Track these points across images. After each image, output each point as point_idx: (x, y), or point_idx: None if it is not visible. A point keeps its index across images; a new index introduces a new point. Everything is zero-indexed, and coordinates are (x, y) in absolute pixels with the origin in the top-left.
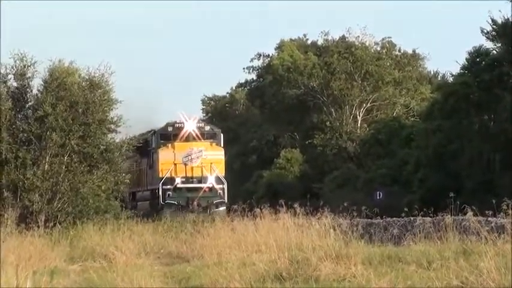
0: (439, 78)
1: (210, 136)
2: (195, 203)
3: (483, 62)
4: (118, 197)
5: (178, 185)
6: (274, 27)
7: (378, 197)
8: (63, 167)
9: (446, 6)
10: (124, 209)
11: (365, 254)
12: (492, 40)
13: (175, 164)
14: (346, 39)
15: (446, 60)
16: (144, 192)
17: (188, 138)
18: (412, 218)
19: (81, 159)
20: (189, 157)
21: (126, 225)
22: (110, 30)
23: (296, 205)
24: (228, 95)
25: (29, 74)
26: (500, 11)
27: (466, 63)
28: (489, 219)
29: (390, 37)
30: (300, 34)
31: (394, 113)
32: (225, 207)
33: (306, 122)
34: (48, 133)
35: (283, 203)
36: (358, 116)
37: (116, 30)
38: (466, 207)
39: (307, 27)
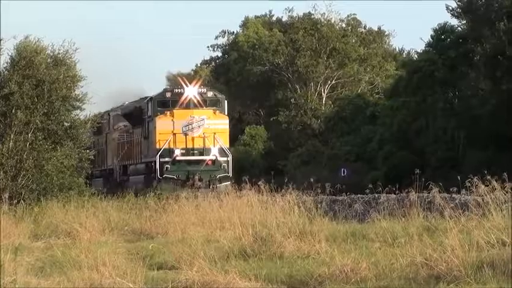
0: (404, 56)
1: (213, 103)
2: (196, 177)
3: (448, 39)
4: (82, 173)
5: (177, 158)
6: (239, 4)
7: (343, 174)
8: (28, 144)
9: None
10: (88, 186)
11: (329, 231)
12: (457, 17)
13: (174, 134)
14: (312, 16)
15: (411, 38)
16: (138, 166)
17: (188, 105)
18: (376, 195)
19: (45, 136)
20: (190, 126)
21: (91, 202)
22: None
23: (260, 182)
24: (192, 72)
25: None
26: None
27: (431, 40)
28: (453, 196)
29: (355, 14)
30: (265, 11)
31: (359, 90)
32: (229, 183)
33: (270, 99)
34: (13, 111)
35: (246, 180)
36: (323, 93)
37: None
38: (430, 184)
39: (272, 4)
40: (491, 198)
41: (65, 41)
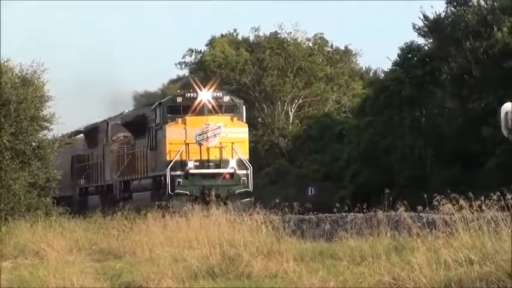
0: (371, 75)
1: (230, 109)
2: (213, 193)
3: (415, 58)
4: (49, 193)
5: (190, 171)
6: (205, 22)
7: (310, 193)
8: None
9: (378, 3)
10: (56, 205)
11: (297, 250)
12: (424, 36)
13: (187, 144)
14: (278, 35)
15: (378, 57)
16: (143, 181)
17: (203, 111)
18: (343, 214)
19: (12, 156)
20: (205, 135)
21: (58, 221)
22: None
23: (228, 201)
24: (160, 91)
25: None
26: (432, 6)
27: (398, 59)
28: (421, 214)
29: (323, 33)
30: (230, 29)
31: (326, 109)
32: (250, 199)
33: None
34: None
35: (213, 199)
36: (290, 112)
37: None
38: (397, 202)
39: (238, 23)
40: (458, 217)
41: (34, 62)
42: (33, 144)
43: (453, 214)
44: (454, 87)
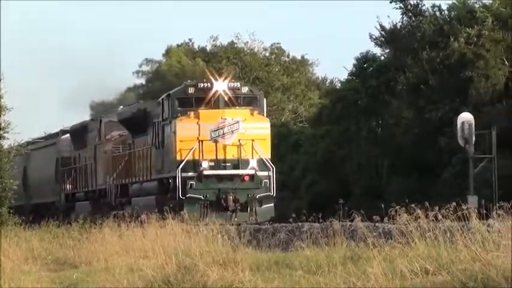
0: (328, 84)
1: (249, 101)
2: (230, 197)
3: (370, 68)
4: (5, 203)
5: (205, 172)
6: (162, 31)
7: None
8: None
9: (336, 13)
10: (11, 215)
11: (253, 260)
12: (380, 46)
13: (200, 141)
14: (235, 45)
15: (334, 66)
16: (145, 184)
17: (218, 104)
18: (300, 224)
19: None
20: (221, 131)
21: (13, 231)
22: None
23: (184, 211)
24: (116, 100)
25: None
26: (388, 16)
27: (354, 69)
28: (377, 224)
29: (279, 43)
30: (186, 39)
31: (283, 119)
32: (272, 205)
33: None
34: None
35: (169, 209)
36: None
37: None
38: (354, 212)
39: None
40: (414, 227)
41: None
42: None
43: (409, 224)
44: (410, 97)
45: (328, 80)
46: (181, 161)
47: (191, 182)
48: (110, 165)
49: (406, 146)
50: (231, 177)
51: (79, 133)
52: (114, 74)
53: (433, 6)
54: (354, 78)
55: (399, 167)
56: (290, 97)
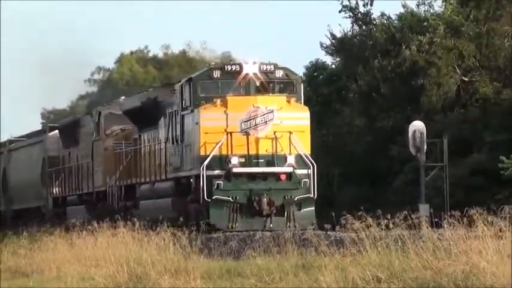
0: None
1: (284, 87)
2: (264, 200)
3: (321, 76)
4: None
5: (234, 169)
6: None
7: None
8: None
9: (286, 21)
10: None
11: (204, 268)
12: (331, 54)
13: (229, 134)
14: (187, 54)
15: None
16: (158, 185)
17: (249, 90)
18: (251, 232)
19: None
20: (253, 121)
21: None
22: None
23: (135, 219)
24: (68, 108)
25: None
26: (340, 24)
27: (304, 77)
28: (328, 233)
29: (229, 51)
30: (141, 46)
31: None
32: (313, 208)
33: None
34: None
35: (120, 217)
36: None
37: None
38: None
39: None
40: (366, 235)
41: None
42: None
43: (361, 232)
44: (362, 106)
45: None
46: (206, 157)
47: (218, 182)
48: (111, 164)
49: (358, 154)
50: (264, 176)
51: (70, 129)
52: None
53: (382, 15)
54: (305, 86)
55: (351, 175)
56: None
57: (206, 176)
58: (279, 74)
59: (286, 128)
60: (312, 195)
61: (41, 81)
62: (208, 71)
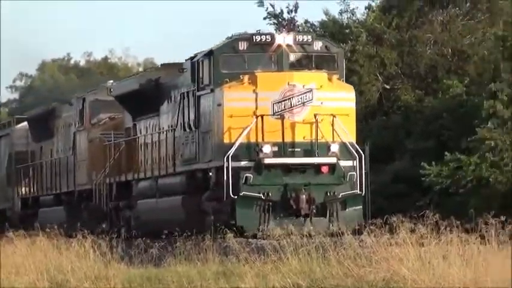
0: None
1: (324, 62)
2: (303, 197)
3: None
4: None
5: (266, 160)
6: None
7: None
8: None
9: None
10: None
11: (125, 276)
12: None
13: (259, 117)
14: (109, 60)
15: None
16: (163, 180)
17: (282, 65)
18: (172, 239)
19: None
20: (288, 102)
21: None
22: None
23: (55, 226)
24: None
25: None
26: None
27: None
28: (249, 240)
29: (153, 57)
30: (63, 53)
31: None
32: (360, 207)
33: None
34: None
35: (38, 226)
36: None
37: None
38: (224, 229)
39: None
40: (287, 242)
41: None
42: None
43: (282, 239)
44: None
45: None
46: (231, 145)
47: (247, 175)
48: (98, 158)
49: None
50: (302, 168)
51: (42, 120)
52: None
53: (306, 22)
54: None
55: None
56: None
57: (232, 168)
58: (317, 46)
59: (328, 111)
60: (359, 192)
61: None
62: (233, 42)
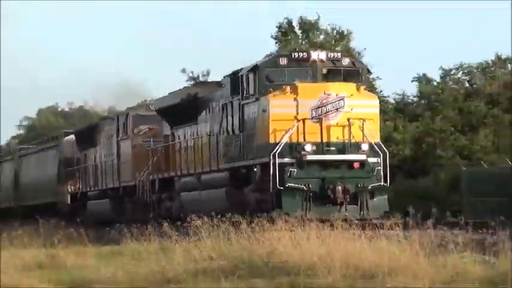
0: None
1: (353, 75)
2: (339, 188)
3: None
4: None
5: (308, 157)
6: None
7: None
8: None
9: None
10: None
11: (94, 251)
12: None
13: (300, 121)
14: (84, 107)
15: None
16: (206, 176)
17: (316, 77)
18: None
19: None
20: (324, 108)
21: None
22: None
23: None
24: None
25: None
26: None
27: None
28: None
29: (115, 106)
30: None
31: None
32: (386, 197)
33: None
34: None
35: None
36: None
37: None
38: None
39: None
40: (204, 229)
41: None
42: None
43: (201, 227)
44: None
45: None
46: (277, 144)
47: (291, 169)
48: (141, 160)
49: None
50: (337, 164)
51: (86, 134)
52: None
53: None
54: None
55: None
56: None
57: (278, 163)
58: (346, 62)
59: (358, 116)
60: (383, 184)
61: None
62: (275, 58)
